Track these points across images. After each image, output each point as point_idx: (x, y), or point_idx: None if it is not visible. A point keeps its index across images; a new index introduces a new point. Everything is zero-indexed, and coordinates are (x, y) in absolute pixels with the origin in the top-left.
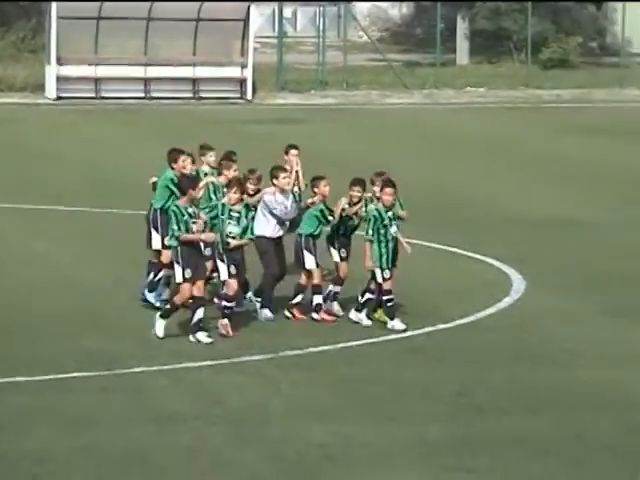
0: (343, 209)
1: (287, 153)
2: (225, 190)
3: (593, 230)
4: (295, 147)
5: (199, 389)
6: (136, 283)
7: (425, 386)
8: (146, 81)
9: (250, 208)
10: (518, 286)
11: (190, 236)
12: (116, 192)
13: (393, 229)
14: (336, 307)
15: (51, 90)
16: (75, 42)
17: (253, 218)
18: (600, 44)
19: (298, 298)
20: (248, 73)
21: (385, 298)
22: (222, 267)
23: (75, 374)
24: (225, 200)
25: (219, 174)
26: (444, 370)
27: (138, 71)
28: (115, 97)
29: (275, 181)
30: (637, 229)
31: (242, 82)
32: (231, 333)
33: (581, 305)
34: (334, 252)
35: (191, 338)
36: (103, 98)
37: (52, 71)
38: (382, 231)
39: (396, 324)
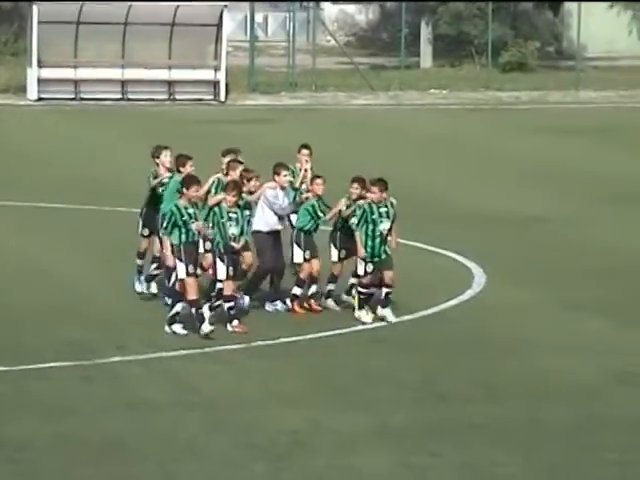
0: (340, 210)
1: (299, 152)
2: None
3: (552, 226)
4: (306, 147)
5: (174, 378)
6: (114, 276)
7: (391, 375)
8: (123, 83)
9: (245, 208)
10: (479, 279)
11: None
12: (94, 189)
13: (383, 225)
14: (331, 303)
15: (32, 91)
16: (55, 46)
17: (249, 221)
18: (557, 48)
19: (313, 289)
20: (221, 76)
21: (368, 291)
22: (221, 267)
23: (54, 364)
24: (223, 202)
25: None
26: (409, 359)
27: (116, 73)
28: (94, 98)
29: (276, 177)
30: (595, 225)
31: (215, 84)
32: (245, 329)
33: (540, 298)
34: (334, 252)
35: (167, 329)
36: (82, 99)
37: (33, 73)
38: (370, 226)
39: (362, 315)
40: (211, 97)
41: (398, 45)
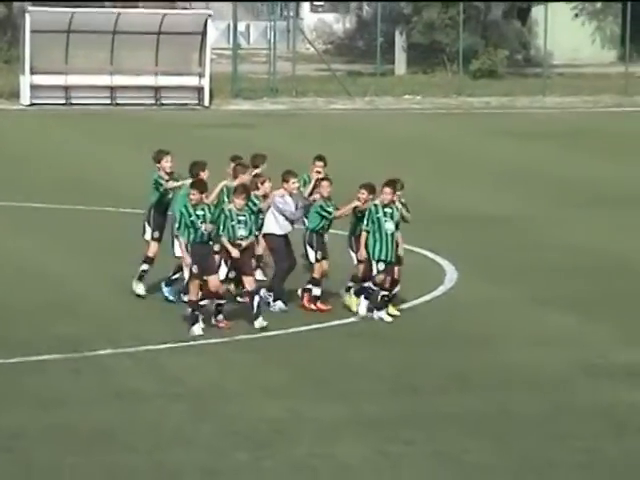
0: (356, 207)
1: (313, 163)
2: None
3: (521, 226)
4: (321, 159)
5: (161, 370)
6: (105, 274)
7: (368, 367)
8: (112, 89)
9: (256, 213)
10: (451, 276)
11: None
12: (84, 190)
13: (388, 225)
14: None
15: (25, 97)
16: (47, 53)
17: (256, 221)
18: (524, 56)
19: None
20: (205, 82)
21: (378, 290)
22: (223, 269)
23: (46, 357)
24: (231, 205)
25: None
26: (385, 352)
27: (105, 80)
28: (84, 104)
29: (285, 184)
30: (561, 226)
31: (200, 90)
32: (227, 326)
33: (509, 294)
34: (353, 255)
35: (193, 329)
36: (73, 104)
37: (26, 80)
38: (376, 225)
39: (383, 315)
40: (196, 102)
41: (374, 53)
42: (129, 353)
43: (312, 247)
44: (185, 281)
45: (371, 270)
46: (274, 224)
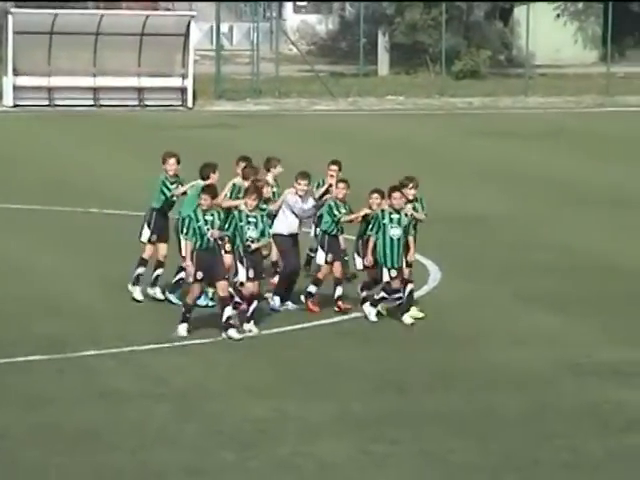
0: (366, 214)
1: (328, 166)
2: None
3: (504, 225)
4: (336, 163)
5: (145, 370)
6: (90, 274)
7: (353, 366)
8: (95, 90)
9: (265, 212)
10: (435, 276)
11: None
12: (68, 191)
13: (393, 231)
14: (368, 309)
15: (8, 99)
16: (30, 55)
17: (269, 225)
18: (507, 57)
19: (338, 291)
20: (188, 83)
21: (395, 296)
22: (241, 270)
23: (31, 357)
24: (242, 207)
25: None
26: (370, 351)
27: (88, 81)
28: (67, 105)
29: (296, 184)
30: (544, 224)
31: (183, 91)
32: (257, 331)
33: (493, 293)
34: (358, 260)
35: (223, 335)
36: (56, 106)
37: (9, 81)
38: (381, 231)
39: (406, 319)
40: (179, 103)
41: (357, 54)
42: (113, 353)
43: (323, 249)
44: (174, 280)
45: (380, 275)
46: (281, 223)
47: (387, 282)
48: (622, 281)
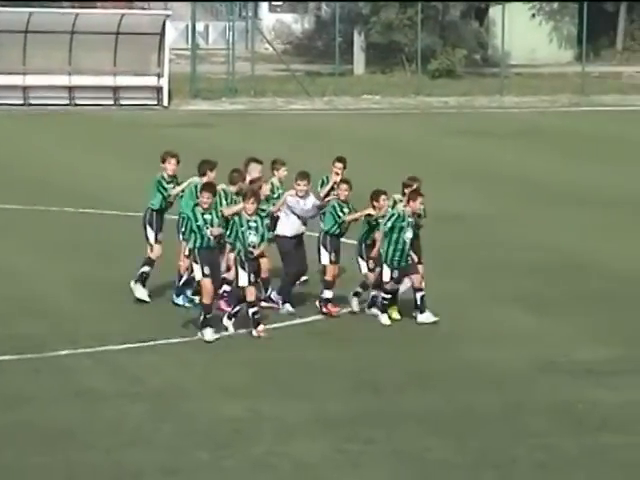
0: (370, 214)
1: (333, 164)
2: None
3: (480, 224)
4: (341, 160)
5: (120, 369)
6: (66, 274)
7: (327, 366)
8: (70, 89)
9: (265, 217)
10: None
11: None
12: (43, 191)
13: (408, 234)
14: (374, 311)
15: None
16: (5, 54)
17: (268, 227)
18: (482, 56)
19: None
20: (164, 82)
21: (384, 296)
22: (243, 274)
23: (8, 357)
24: (242, 211)
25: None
26: (344, 351)
27: (63, 80)
28: (42, 104)
29: (295, 185)
30: (521, 224)
31: (159, 90)
32: (269, 333)
33: (469, 292)
34: (362, 263)
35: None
36: (31, 105)
37: None
38: (396, 233)
39: (384, 319)
40: (155, 102)
41: (332, 53)
42: (89, 353)
43: (326, 249)
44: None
45: (380, 274)
46: (284, 225)
47: (386, 282)
48: (596, 280)
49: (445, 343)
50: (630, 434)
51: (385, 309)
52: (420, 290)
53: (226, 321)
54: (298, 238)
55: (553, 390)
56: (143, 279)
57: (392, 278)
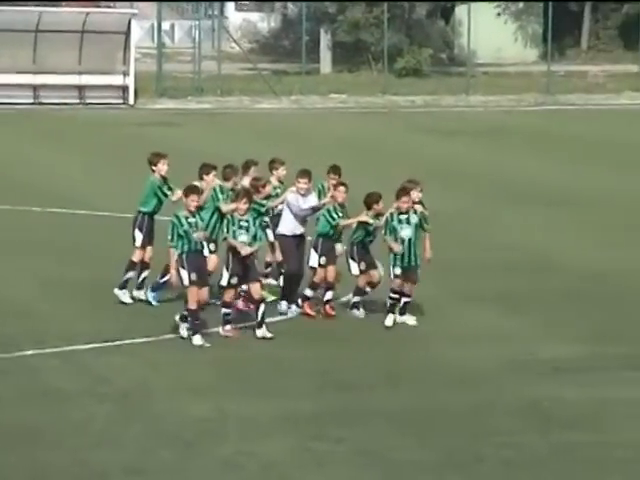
0: (367, 222)
1: (328, 174)
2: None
3: (447, 222)
4: (336, 172)
5: (87, 369)
6: (33, 274)
7: (295, 364)
8: (35, 88)
9: (263, 214)
10: (380, 274)
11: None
12: (9, 190)
13: (404, 232)
14: (356, 313)
15: None
16: None
17: (261, 225)
18: (449, 55)
19: (328, 295)
20: (130, 81)
21: (391, 295)
22: (225, 274)
23: None
24: (233, 211)
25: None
26: (313, 350)
27: (27, 79)
28: (6, 103)
29: (297, 183)
30: (486, 222)
31: (124, 89)
32: (236, 335)
33: (435, 290)
34: (353, 265)
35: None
36: None
37: None
38: (392, 234)
39: (387, 320)
40: (120, 101)
41: (299, 52)
42: (55, 353)
43: (316, 251)
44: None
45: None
46: (284, 224)
47: (390, 280)
48: (561, 278)
49: (415, 342)
50: (597, 431)
51: (393, 309)
52: (408, 297)
53: (223, 329)
54: (298, 238)
55: (520, 388)
56: (126, 284)
57: (395, 275)
